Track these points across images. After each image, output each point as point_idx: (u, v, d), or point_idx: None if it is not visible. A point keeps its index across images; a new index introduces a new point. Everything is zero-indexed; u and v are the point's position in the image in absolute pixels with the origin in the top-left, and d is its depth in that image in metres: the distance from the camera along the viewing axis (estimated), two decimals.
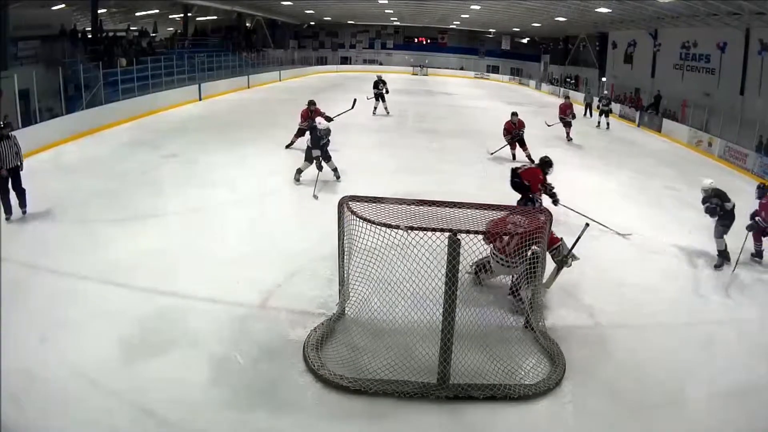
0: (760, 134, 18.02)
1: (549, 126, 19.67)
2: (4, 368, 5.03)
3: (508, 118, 15.33)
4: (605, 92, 27.89)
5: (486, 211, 6.08)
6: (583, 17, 32.51)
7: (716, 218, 8.91)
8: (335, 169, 12.36)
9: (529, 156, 14.75)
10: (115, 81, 20.75)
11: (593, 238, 9.65)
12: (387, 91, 23.19)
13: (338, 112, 15.28)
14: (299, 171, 12.28)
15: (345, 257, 6.23)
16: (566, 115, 19.67)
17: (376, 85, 23.22)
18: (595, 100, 26.39)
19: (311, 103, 15.17)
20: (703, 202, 9.12)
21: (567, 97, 21.61)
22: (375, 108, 23.28)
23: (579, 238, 7.16)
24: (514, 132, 15.34)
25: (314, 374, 5.59)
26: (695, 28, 25.05)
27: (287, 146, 15.59)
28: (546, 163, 9.79)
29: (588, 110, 27.42)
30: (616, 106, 29.63)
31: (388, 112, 23.38)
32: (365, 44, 59.22)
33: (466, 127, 22.06)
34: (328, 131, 11.90)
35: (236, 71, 33.19)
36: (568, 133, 19.69)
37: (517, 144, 15.52)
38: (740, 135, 18.72)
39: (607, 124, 23.92)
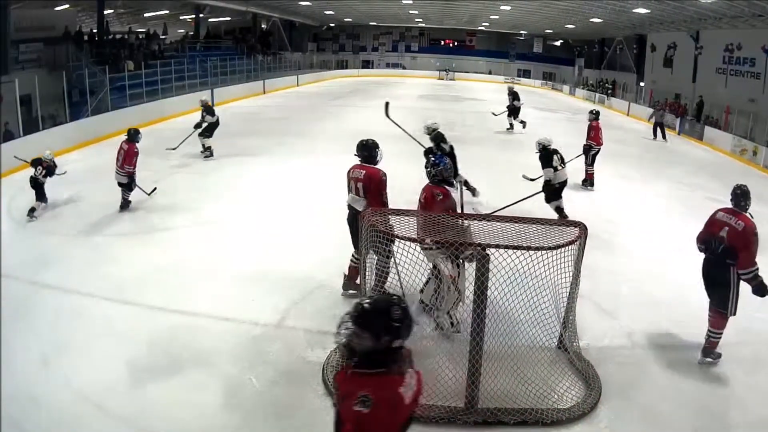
0: None
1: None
2: (5, 392, 5.10)
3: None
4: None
5: (516, 224, 6.05)
6: (620, 18, 32.44)
7: None
8: None
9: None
10: (122, 86, 21.07)
11: (629, 255, 9.62)
12: (207, 128, 15.84)
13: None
14: None
15: (366, 273, 6.23)
16: (590, 141, 14.06)
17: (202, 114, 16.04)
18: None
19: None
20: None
21: (595, 113, 14.68)
22: (206, 149, 16.07)
23: None
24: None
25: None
26: (739, 30, 24.93)
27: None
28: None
29: (661, 131, 23.36)
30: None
31: (208, 153, 16.00)
32: (388, 47, 59.59)
33: (495, 134, 21.97)
34: None
35: (251, 76, 33.55)
36: (589, 177, 14.11)
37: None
38: None
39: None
